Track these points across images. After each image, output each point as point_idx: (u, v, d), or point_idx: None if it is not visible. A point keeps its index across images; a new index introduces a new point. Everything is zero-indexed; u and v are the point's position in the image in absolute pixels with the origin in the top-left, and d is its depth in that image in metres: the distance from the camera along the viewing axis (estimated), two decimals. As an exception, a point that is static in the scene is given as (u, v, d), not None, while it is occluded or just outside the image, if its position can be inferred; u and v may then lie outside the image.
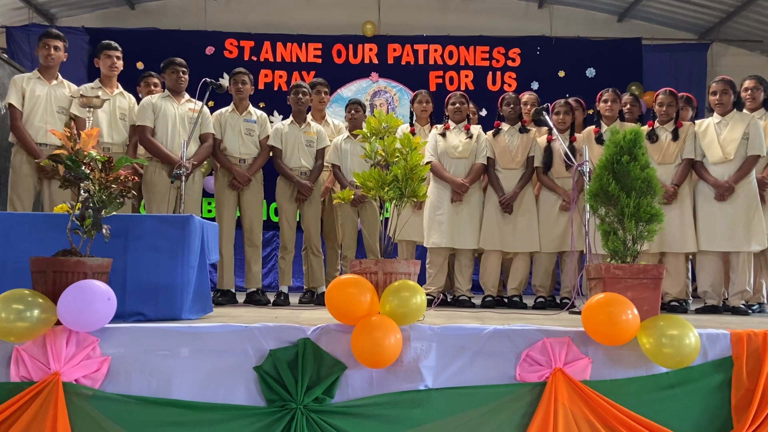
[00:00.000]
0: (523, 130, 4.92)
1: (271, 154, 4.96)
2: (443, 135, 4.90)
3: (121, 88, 4.82)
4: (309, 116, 5.16)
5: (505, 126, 4.95)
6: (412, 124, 5.15)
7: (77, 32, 8.09)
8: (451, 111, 4.96)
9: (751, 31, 8.64)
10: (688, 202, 4.52)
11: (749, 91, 4.67)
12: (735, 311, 4.34)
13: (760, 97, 4.66)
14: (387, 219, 3.24)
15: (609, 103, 4.80)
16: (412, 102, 5.25)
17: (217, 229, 3.73)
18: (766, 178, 4.56)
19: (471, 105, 5.08)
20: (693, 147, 4.55)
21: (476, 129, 4.94)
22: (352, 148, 4.96)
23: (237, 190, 4.81)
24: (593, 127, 4.85)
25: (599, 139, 4.72)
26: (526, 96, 5.26)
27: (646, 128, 4.62)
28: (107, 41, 4.81)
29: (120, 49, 4.78)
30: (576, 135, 4.81)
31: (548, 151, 4.83)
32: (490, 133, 4.97)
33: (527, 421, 2.53)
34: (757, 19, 8.34)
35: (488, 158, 4.88)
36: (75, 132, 2.63)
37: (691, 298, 4.86)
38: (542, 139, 4.91)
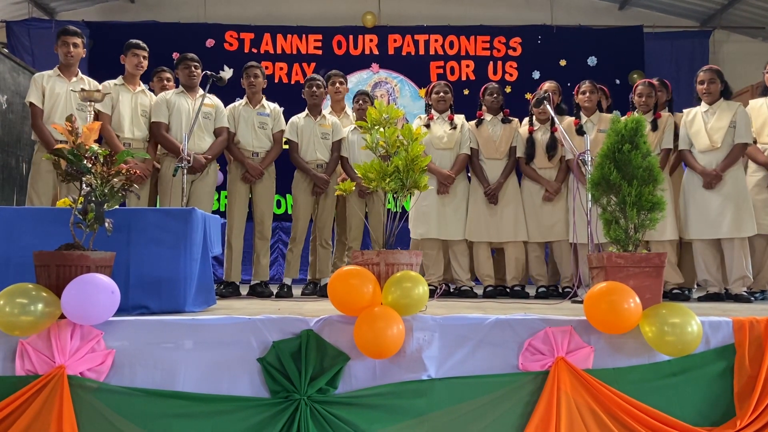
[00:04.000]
0: (506, 120, 4.96)
1: (285, 147, 4.97)
2: (427, 126, 4.90)
3: (143, 86, 4.86)
4: (329, 108, 5.16)
5: (487, 116, 4.97)
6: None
7: (77, 26, 8.06)
8: (434, 100, 4.97)
9: (752, 17, 8.61)
10: (669, 191, 4.50)
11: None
12: (737, 299, 4.35)
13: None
14: (390, 210, 3.24)
15: (587, 95, 4.80)
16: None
17: (219, 222, 3.74)
18: None
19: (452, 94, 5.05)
20: (671, 137, 4.59)
21: (459, 119, 4.96)
22: (359, 140, 4.95)
23: (249, 183, 4.83)
24: (573, 118, 4.84)
25: (579, 130, 4.73)
26: (546, 85, 5.14)
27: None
28: (136, 40, 4.83)
29: (147, 49, 4.81)
30: (556, 126, 4.78)
31: (530, 141, 4.86)
32: (472, 123, 4.97)
33: (530, 409, 2.53)
34: (759, 6, 8.31)
35: (471, 148, 4.89)
36: (76, 126, 2.63)
37: (696, 286, 4.87)
38: (524, 130, 4.95)
